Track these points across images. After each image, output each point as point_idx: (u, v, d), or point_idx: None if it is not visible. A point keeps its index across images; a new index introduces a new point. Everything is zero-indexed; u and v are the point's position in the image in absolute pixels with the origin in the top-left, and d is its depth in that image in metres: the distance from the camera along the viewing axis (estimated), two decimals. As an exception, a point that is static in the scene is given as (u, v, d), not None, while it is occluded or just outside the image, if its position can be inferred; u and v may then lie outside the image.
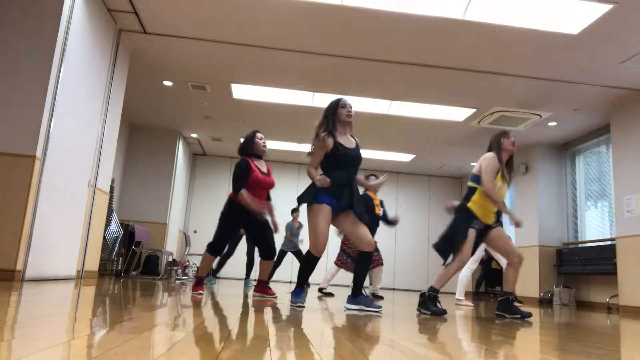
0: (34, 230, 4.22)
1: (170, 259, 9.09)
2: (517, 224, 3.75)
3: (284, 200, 8.47)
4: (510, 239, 3.86)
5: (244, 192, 4.02)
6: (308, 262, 3.41)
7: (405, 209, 12.15)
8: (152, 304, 2.72)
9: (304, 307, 3.32)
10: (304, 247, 5.59)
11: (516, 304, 4.30)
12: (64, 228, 4.81)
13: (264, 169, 4.23)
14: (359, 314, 3.12)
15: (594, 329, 3.24)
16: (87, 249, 5.48)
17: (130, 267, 8.20)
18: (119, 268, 7.76)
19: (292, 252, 7.93)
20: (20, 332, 1.40)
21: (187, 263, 10.10)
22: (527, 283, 8.64)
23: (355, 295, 3.49)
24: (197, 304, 3.01)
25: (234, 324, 2.03)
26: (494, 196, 3.60)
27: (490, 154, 3.75)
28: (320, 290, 6.21)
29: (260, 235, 4.18)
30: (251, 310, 2.86)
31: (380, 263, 6.23)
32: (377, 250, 6.00)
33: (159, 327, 1.73)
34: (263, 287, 4.34)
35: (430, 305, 3.59)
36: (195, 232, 11.33)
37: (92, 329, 1.58)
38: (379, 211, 5.96)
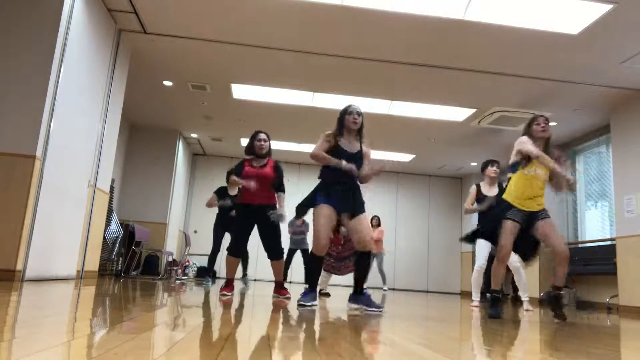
0: (34, 230, 4.22)
1: (170, 259, 9.09)
2: (570, 186, 3.47)
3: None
4: (556, 232, 3.59)
5: (232, 177, 4.33)
6: (310, 262, 3.52)
7: (405, 209, 12.15)
8: (152, 304, 2.72)
9: (307, 307, 3.33)
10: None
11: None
12: (64, 228, 4.81)
13: (261, 164, 4.41)
14: (360, 314, 3.12)
15: (594, 328, 3.24)
16: (87, 249, 5.48)
17: (130, 267, 8.19)
18: (119, 268, 7.76)
19: (300, 250, 7.93)
20: (20, 332, 1.40)
21: (187, 263, 10.10)
22: (527, 283, 8.62)
23: (356, 294, 3.53)
24: (197, 305, 3.01)
25: (235, 324, 2.03)
26: (541, 159, 3.45)
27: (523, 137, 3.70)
28: (319, 292, 6.22)
29: (265, 235, 4.28)
30: (254, 310, 2.86)
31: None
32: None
33: (159, 327, 1.73)
34: (278, 288, 4.37)
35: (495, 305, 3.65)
36: (195, 232, 11.33)
37: (92, 329, 1.58)
38: None
